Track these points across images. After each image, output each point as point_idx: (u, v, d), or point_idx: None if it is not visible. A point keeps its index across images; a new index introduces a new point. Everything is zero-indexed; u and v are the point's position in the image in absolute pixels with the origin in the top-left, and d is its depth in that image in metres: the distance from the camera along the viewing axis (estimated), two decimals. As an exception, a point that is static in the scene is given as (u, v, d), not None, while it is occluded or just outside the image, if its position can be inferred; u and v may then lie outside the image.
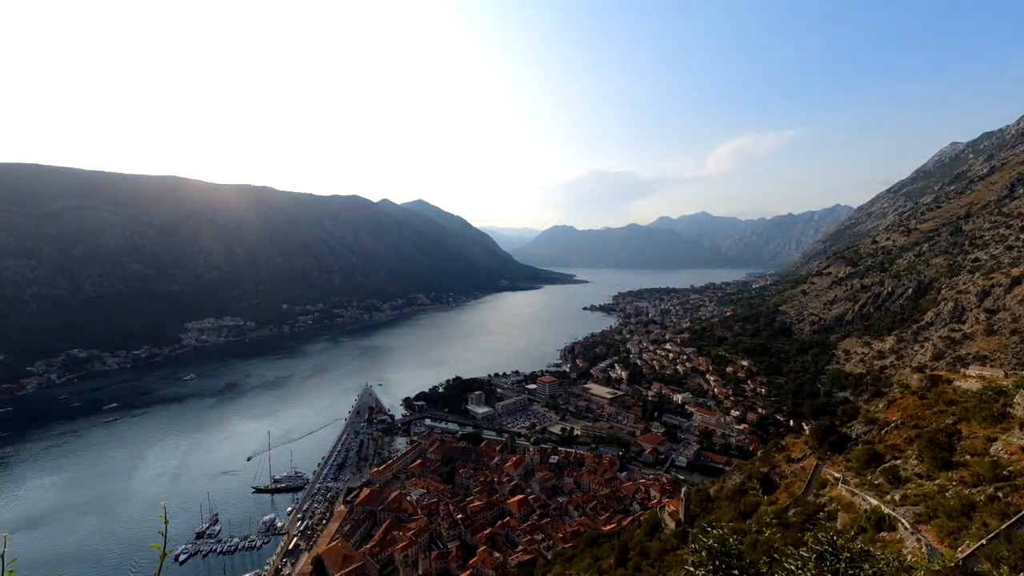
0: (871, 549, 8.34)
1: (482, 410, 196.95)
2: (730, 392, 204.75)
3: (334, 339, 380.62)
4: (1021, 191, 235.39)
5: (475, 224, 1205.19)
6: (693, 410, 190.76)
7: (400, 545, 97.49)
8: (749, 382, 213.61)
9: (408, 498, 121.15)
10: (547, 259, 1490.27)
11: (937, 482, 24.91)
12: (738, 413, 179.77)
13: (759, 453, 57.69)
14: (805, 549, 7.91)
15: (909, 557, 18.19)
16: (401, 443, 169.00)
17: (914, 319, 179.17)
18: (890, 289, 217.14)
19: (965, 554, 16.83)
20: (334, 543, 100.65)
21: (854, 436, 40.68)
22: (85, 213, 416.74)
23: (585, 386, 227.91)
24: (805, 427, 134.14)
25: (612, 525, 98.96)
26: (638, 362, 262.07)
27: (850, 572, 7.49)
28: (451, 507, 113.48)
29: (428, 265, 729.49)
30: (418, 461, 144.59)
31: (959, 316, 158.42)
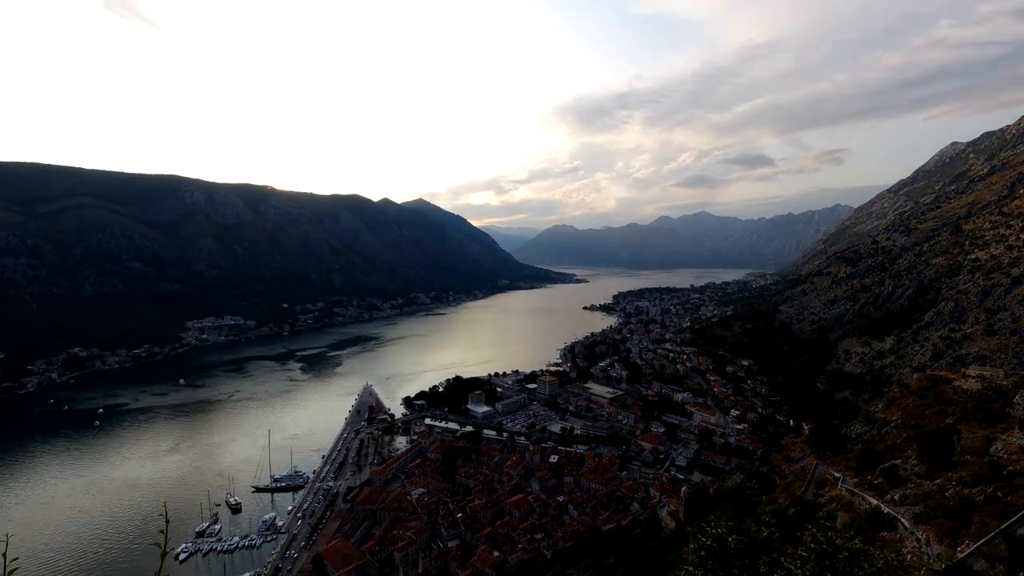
0: (870, 548, 8.37)
1: (482, 409, 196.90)
2: (730, 392, 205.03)
3: (334, 338, 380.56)
4: (1021, 191, 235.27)
5: (476, 223, 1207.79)
6: (693, 410, 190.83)
7: (400, 544, 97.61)
8: (749, 382, 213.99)
9: (408, 497, 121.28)
10: (547, 259, 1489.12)
11: (936, 482, 24.93)
12: (738, 413, 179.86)
13: (759, 453, 57.76)
14: (804, 548, 7.93)
15: (908, 556, 18.23)
16: (401, 442, 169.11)
17: (914, 319, 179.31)
18: (890, 289, 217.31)
19: (964, 553, 16.88)
20: (334, 542, 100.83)
21: (853, 436, 40.73)
22: (85, 212, 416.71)
23: (585, 385, 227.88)
24: (805, 427, 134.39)
25: (612, 525, 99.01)
26: (638, 362, 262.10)
27: (849, 571, 7.52)
28: (451, 506, 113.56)
29: (428, 264, 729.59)
30: (418, 460, 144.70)
31: (959, 316, 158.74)
